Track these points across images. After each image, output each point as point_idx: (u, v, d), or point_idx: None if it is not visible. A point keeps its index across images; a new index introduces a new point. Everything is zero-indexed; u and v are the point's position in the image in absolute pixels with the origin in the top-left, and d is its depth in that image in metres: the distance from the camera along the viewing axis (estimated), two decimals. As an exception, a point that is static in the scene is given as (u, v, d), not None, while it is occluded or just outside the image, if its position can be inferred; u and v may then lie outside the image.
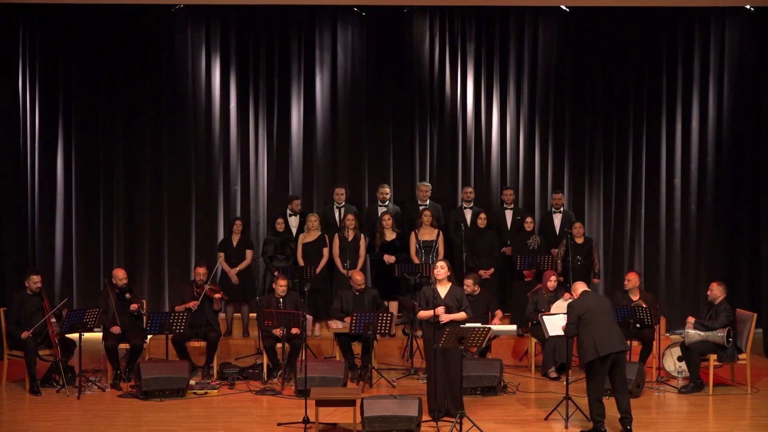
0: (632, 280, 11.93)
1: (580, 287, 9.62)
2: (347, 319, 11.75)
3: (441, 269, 9.91)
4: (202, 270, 12.02)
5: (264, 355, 11.61)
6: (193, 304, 11.75)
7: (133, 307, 11.68)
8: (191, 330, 11.59)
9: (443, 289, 9.90)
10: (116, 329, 11.37)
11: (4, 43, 13.59)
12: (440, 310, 9.74)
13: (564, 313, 10.12)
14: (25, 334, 10.97)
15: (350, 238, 13.01)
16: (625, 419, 9.33)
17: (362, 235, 13.19)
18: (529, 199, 14.68)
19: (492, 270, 13.15)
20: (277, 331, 11.21)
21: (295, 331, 11.17)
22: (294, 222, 13.44)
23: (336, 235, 13.15)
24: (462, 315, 9.86)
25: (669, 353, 11.62)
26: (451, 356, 9.73)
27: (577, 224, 13.21)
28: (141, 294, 13.49)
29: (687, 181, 14.62)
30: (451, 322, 9.72)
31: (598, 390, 9.25)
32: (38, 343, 11.02)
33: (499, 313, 12.09)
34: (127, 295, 11.63)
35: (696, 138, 14.59)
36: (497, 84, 14.59)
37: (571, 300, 9.75)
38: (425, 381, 10.71)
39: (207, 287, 11.88)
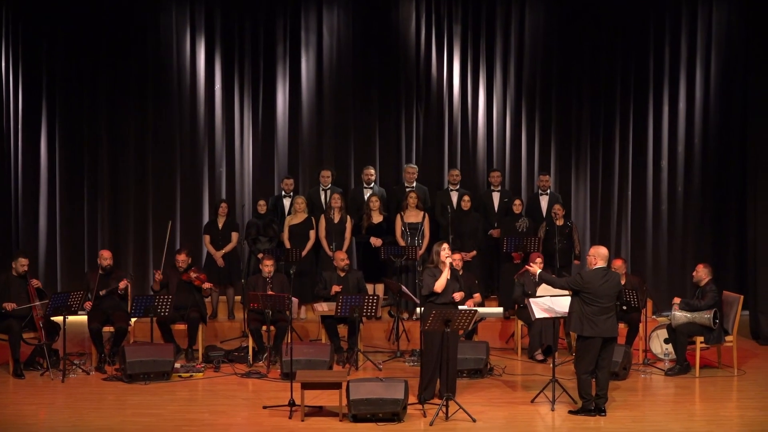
0: (618, 267, 11.82)
1: (600, 257, 9.28)
2: (335, 289, 11.74)
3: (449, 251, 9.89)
4: (182, 257, 11.94)
5: (249, 338, 11.56)
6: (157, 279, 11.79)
7: (122, 284, 11.59)
8: (176, 312, 11.52)
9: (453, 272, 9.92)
10: (88, 305, 11.29)
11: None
12: (457, 296, 9.83)
13: (551, 296, 10.10)
14: (7, 305, 10.86)
15: (336, 220, 12.95)
16: (601, 398, 9.31)
17: (348, 217, 13.13)
18: (515, 181, 14.64)
19: (474, 252, 13.06)
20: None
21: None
22: (287, 203, 13.44)
23: (322, 216, 13.10)
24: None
25: (656, 335, 11.62)
26: (449, 340, 9.60)
27: (557, 206, 13.15)
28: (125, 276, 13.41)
29: (674, 163, 14.59)
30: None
31: (589, 365, 9.21)
32: (23, 326, 10.94)
33: (477, 296, 11.71)
34: (118, 281, 11.53)
35: (683, 120, 14.56)
36: (484, 66, 14.53)
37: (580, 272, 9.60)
38: (413, 364, 10.68)
39: (193, 275, 11.80)
